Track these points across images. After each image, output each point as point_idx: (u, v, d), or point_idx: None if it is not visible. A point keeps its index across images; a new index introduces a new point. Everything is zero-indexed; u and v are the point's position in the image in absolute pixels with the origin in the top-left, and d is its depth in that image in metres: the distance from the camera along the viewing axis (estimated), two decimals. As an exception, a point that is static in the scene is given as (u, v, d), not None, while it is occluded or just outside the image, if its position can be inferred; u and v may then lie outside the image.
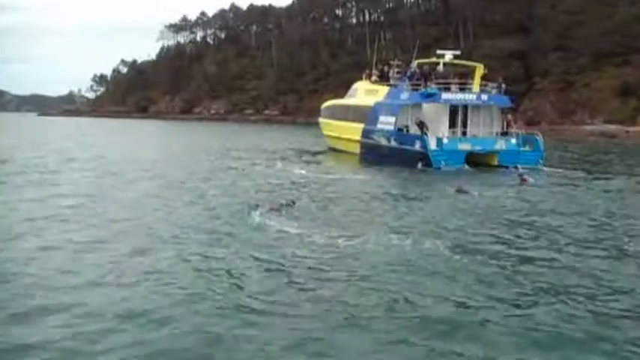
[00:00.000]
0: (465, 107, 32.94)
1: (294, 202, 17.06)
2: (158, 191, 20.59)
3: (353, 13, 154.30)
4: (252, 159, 34.20)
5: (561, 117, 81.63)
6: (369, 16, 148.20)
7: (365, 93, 38.03)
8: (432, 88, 32.26)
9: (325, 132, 43.99)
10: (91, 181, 23.64)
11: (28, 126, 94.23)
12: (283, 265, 11.28)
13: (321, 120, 45.52)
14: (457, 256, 11.93)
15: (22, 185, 21.79)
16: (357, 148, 36.70)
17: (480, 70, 34.25)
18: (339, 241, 13.05)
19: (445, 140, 30.44)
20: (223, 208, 17.09)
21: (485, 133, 32.94)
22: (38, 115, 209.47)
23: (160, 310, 8.90)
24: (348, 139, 38.03)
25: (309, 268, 11.13)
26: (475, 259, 11.80)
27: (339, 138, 40.22)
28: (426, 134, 30.33)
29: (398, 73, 36.33)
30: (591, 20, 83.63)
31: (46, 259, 11.74)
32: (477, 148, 30.93)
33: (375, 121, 34.47)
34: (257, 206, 16.26)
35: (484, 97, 32.64)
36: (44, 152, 37.16)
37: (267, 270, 11.06)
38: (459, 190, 20.96)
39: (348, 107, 39.56)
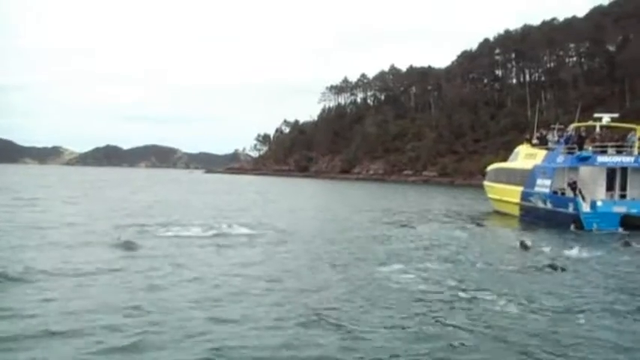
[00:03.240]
0: (625, 170, 32.67)
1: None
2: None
3: (513, 74, 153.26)
4: (417, 221, 34.42)
5: None
6: (530, 77, 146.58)
7: (525, 156, 39.23)
8: (588, 151, 32.91)
9: (489, 195, 45.53)
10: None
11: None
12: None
13: (485, 183, 47.25)
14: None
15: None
16: (517, 211, 37.92)
17: (639, 131, 33.44)
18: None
19: (599, 203, 30.90)
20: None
21: None
22: (204, 173, 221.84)
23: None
24: (509, 202, 39.54)
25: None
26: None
27: (501, 200, 41.69)
28: (578, 196, 31.20)
29: (557, 136, 37.14)
30: None
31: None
32: (634, 210, 30.48)
33: (533, 184, 35.72)
34: None
35: None
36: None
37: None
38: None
39: (508, 170, 41.02)
